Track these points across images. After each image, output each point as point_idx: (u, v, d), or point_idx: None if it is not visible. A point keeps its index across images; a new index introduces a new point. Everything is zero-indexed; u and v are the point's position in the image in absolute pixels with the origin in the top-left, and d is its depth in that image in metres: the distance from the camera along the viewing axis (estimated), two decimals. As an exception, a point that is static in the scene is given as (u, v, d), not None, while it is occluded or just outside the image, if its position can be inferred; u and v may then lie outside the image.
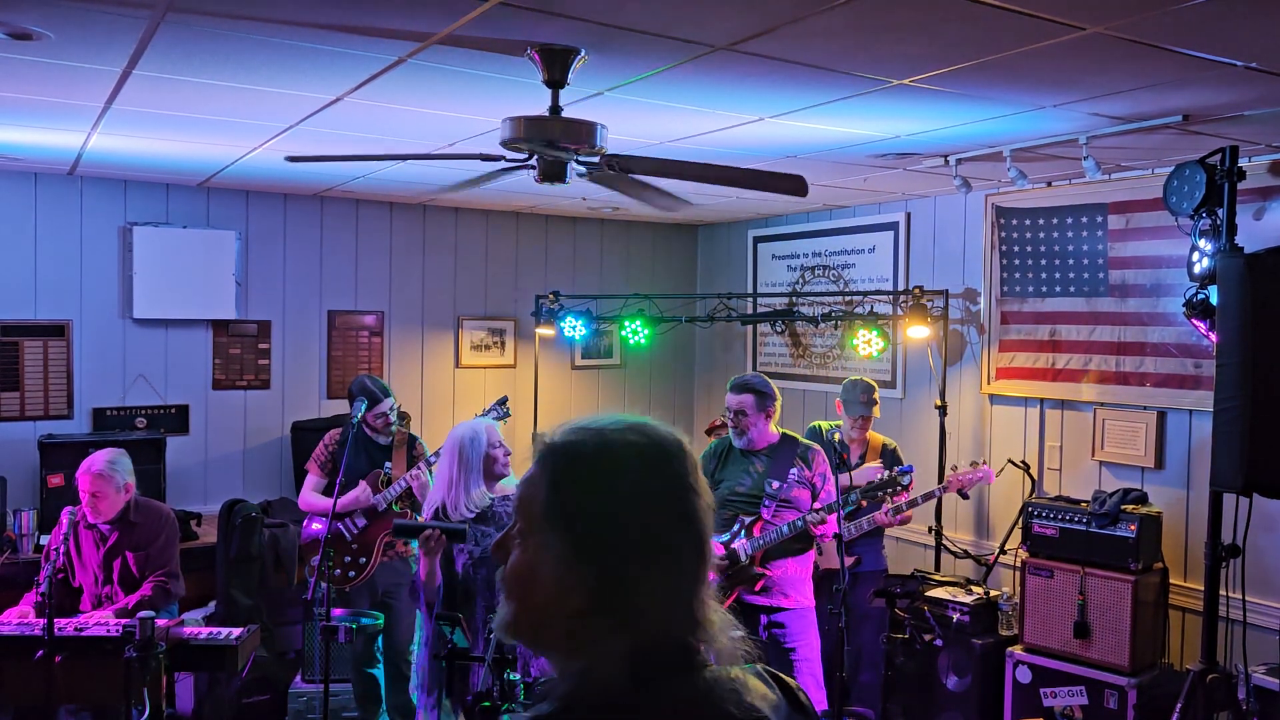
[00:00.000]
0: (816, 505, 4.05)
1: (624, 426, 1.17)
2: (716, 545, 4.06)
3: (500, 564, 1.19)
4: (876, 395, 4.99)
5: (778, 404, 4.16)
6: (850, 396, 4.96)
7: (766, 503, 4.03)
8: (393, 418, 4.66)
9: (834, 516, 3.96)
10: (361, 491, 4.52)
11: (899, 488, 4.12)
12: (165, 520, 4.42)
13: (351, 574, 4.53)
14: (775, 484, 4.06)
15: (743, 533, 4.04)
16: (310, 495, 4.66)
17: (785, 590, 4.04)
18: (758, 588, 4.04)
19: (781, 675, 1.24)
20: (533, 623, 1.14)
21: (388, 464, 4.58)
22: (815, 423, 5.17)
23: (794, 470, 4.09)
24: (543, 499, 1.13)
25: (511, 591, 1.16)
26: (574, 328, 6.20)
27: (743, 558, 4.02)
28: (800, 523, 3.96)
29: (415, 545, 4.63)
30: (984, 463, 4.87)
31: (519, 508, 1.16)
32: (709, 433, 5.99)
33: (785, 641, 4.02)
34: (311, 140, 4.14)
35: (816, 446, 4.22)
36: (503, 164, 3.13)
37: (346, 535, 4.55)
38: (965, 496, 4.81)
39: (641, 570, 1.10)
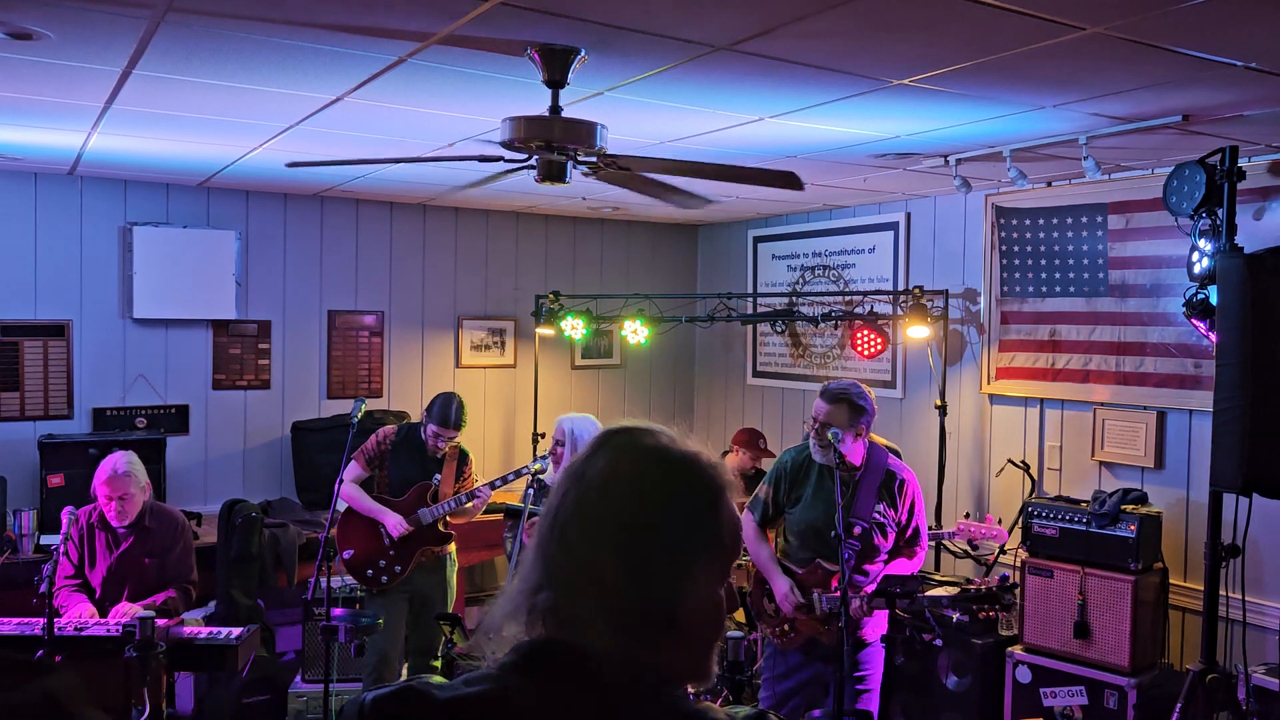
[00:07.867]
0: (908, 562, 3.71)
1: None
2: (780, 587, 3.74)
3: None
4: None
5: (873, 420, 3.67)
6: None
7: (846, 553, 3.49)
8: (444, 449, 4.57)
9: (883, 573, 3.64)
10: (395, 523, 4.44)
11: (1000, 607, 3.55)
12: (181, 527, 4.41)
13: (384, 579, 4.50)
14: (857, 528, 3.61)
15: (821, 585, 3.69)
16: (351, 489, 4.53)
17: (862, 626, 3.74)
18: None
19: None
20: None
21: (437, 475, 4.54)
22: None
23: (879, 508, 3.66)
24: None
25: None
26: (574, 328, 6.20)
27: (819, 611, 3.65)
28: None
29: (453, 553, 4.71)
30: (999, 521, 4.82)
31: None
32: (726, 453, 5.94)
33: (857, 670, 3.79)
34: (312, 140, 4.14)
35: (906, 473, 3.77)
36: (503, 164, 3.14)
37: (385, 540, 4.48)
38: (974, 548, 4.74)
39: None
